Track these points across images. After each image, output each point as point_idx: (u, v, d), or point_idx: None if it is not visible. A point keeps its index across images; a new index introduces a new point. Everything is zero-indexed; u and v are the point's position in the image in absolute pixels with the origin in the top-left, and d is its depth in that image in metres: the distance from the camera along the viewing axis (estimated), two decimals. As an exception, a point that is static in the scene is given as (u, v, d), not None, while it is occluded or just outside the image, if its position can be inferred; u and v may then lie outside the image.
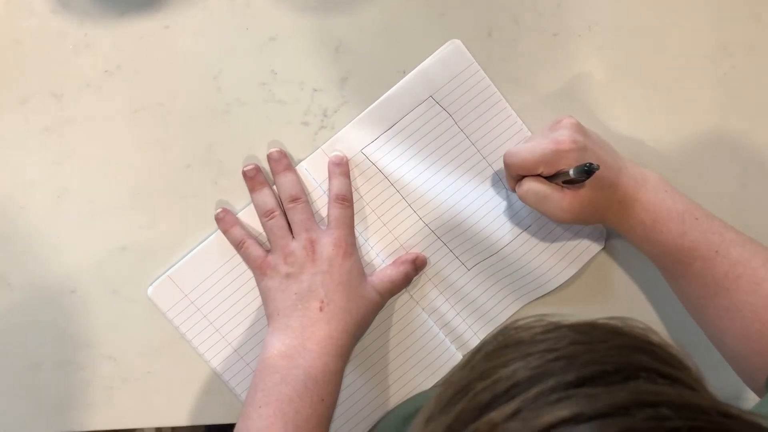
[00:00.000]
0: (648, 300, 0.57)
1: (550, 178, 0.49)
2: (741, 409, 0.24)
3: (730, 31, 0.56)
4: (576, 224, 0.54)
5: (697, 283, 0.48)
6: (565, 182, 0.48)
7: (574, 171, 0.46)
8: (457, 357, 0.56)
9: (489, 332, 0.56)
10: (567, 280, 0.55)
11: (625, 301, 0.57)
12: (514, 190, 0.51)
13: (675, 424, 0.22)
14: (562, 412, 0.22)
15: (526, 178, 0.49)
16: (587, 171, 0.45)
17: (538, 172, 0.48)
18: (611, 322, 0.27)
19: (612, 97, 0.56)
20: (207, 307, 0.54)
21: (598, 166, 0.45)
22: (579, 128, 0.49)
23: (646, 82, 0.56)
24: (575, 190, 0.48)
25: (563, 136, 0.47)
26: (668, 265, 0.50)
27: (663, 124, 0.56)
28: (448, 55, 0.54)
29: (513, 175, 0.50)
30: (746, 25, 0.56)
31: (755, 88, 0.57)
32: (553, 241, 0.55)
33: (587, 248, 0.56)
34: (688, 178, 0.56)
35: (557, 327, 0.27)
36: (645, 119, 0.56)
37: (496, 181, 0.55)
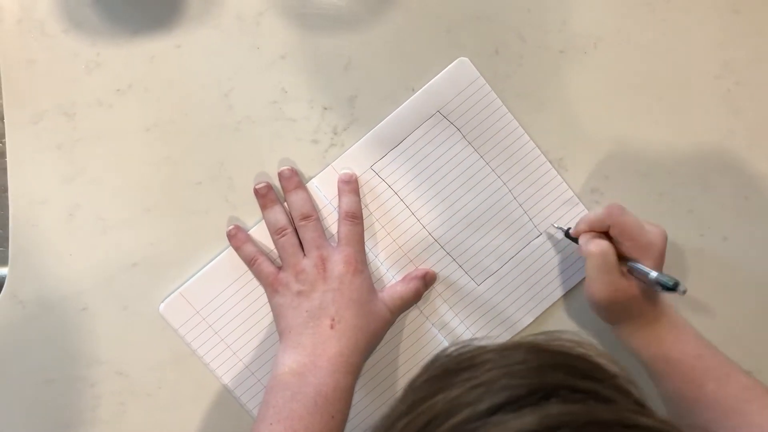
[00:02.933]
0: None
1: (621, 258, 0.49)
2: (653, 418, 0.24)
3: (733, 48, 0.57)
4: (595, 309, 0.52)
5: (709, 403, 0.48)
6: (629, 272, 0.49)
7: (654, 276, 0.47)
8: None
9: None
10: (573, 287, 0.56)
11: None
12: (575, 237, 0.52)
13: None
14: None
15: (604, 240, 0.49)
16: (670, 287, 0.46)
17: (626, 245, 0.49)
18: (537, 339, 0.27)
19: (617, 113, 0.57)
20: (218, 324, 0.54)
21: (685, 290, 0.45)
22: (666, 239, 0.50)
23: (651, 98, 0.57)
24: (632, 281, 0.49)
25: (661, 236, 0.48)
26: (681, 384, 0.49)
27: (668, 139, 0.57)
28: (456, 72, 0.55)
29: (596, 226, 0.50)
30: (749, 42, 0.57)
31: (758, 103, 0.57)
32: (560, 251, 0.56)
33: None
34: (693, 191, 0.57)
35: (482, 352, 0.27)
36: (650, 134, 0.57)
37: (504, 194, 0.56)
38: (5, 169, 0.57)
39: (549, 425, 0.23)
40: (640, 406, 0.26)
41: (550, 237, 0.56)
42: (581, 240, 0.51)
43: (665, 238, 0.50)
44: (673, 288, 0.46)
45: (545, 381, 0.25)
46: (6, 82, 0.53)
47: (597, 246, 0.49)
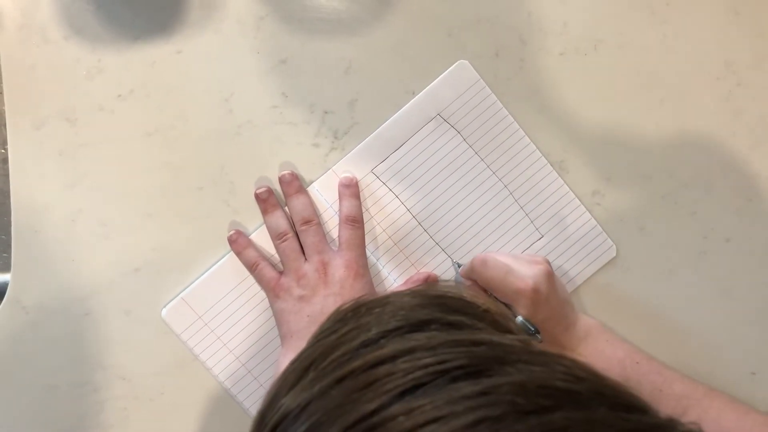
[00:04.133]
0: (655, 311, 0.58)
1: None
2: (508, 337, 0.26)
3: (734, 49, 0.57)
4: None
5: None
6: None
7: (519, 322, 0.48)
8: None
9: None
10: (574, 289, 0.56)
11: (634, 308, 0.57)
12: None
13: (425, 361, 0.24)
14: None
15: (470, 289, 0.52)
16: (527, 331, 0.48)
17: (496, 294, 0.51)
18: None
19: (619, 115, 0.57)
20: (220, 329, 0.54)
21: (541, 340, 0.48)
22: (549, 278, 0.50)
23: (653, 100, 0.57)
24: None
25: (529, 279, 0.49)
26: None
27: (670, 141, 0.57)
28: (456, 74, 0.55)
29: (470, 275, 0.52)
30: (750, 43, 0.57)
31: (760, 104, 0.57)
32: (562, 253, 0.56)
33: (596, 259, 0.56)
34: (695, 193, 0.57)
35: (370, 300, 0.29)
36: (652, 136, 0.57)
37: (506, 197, 0.56)
38: (7, 175, 0.57)
39: (406, 350, 0.25)
40: (506, 331, 0.28)
41: (553, 239, 0.56)
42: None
43: (540, 280, 0.49)
44: (531, 334, 0.48)
45: (416, 316, 0.27)
46: (8, 89, 0.53)
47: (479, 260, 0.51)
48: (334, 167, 0.55)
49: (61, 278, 0.54)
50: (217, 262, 0.54)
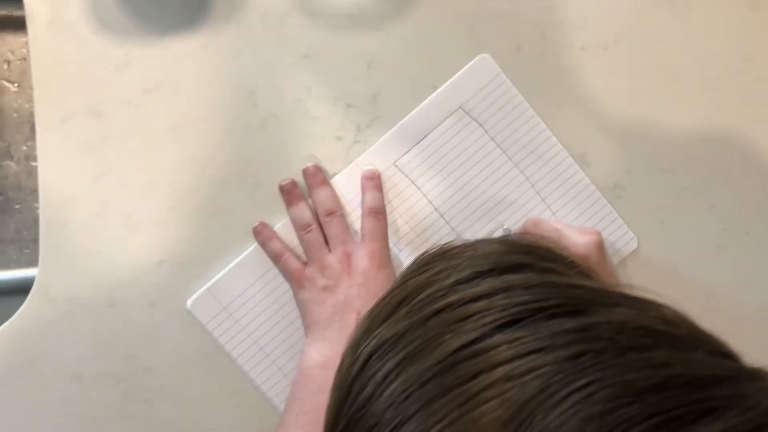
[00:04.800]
0: (675, 303, 0.58)
1: None
2: (600, 283, 0.27)
3: (753, 43, 0.57)
4: None
5: None
6: None
7: None
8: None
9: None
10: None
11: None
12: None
13: (523, 299, 0.24)
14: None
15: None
16: None
17: None
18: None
19: (639, 109, 0.57)
20: (245, 319, 0.55)
21: None
22: (599, 248, 0.50)
23: (673, 94, 0.57)
24: None
25: (581, 246, 0.49)
26: None
27: (690, 134, 0.57)
28: (478, 68, 0.56)
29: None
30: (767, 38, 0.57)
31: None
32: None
33: (617, 251, 0.57)
34: (715, 186, 0.57)
35: (457, 245, 0.30)
36: (672, 129, 0.57)
37: (527, 189, 0.56)
38: (29, 172, 0.57)
39: (505, 287, 0.25)
40: (593, 279, 0.28)
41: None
42: None
43: (591, 248, 0.49)
44: None
45: (509, 260, 0.27)
46: (37, 83, 0.54)
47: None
48: (356, 160, 0.56)
49: (87, 270, 0.54)
50: (242, 253, 0.55)
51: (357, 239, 0.54)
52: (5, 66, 0.71)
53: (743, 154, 0.58)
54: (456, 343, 0.23)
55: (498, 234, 0.56)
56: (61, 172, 0.54)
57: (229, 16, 0.55)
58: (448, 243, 0.30)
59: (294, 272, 0.53)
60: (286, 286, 0.55)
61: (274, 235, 0.54)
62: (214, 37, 0.55)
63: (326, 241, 0.54)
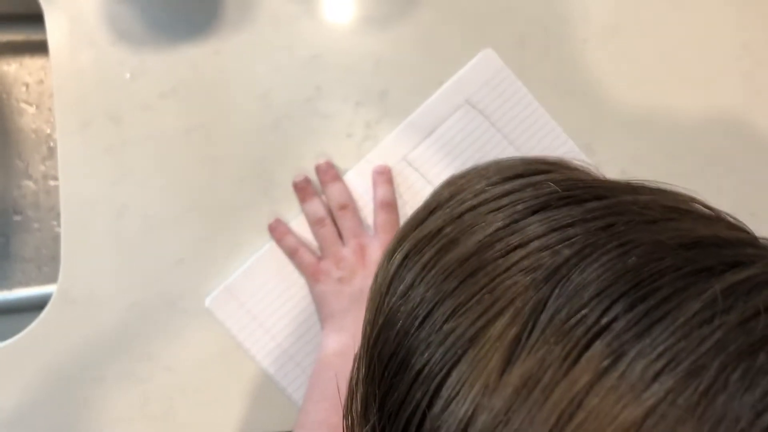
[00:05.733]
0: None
1: None
2: (618, 180, 0.27)
3: (751, 30, 0.59)
4: None
5: None
6: None
7: None
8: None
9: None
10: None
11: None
12: None
13: (552, 189, 0.25)
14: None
15: None
16: None
17: None
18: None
19: (642, 98, 0.58)
20: (263, 316, 0.55)
21: None
22: None
23: (674, 82, 0.58)
24: None
25: None
26: None
27: (691, 122, 0.58)
28: (482, 63, 0.57)
29: None
30: (766, 24, 0.59)
31: (780, 82, 0.59)
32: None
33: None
34: (719, 172, 0.58)
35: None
36: (675, 116, 0.58)
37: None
38: (48, 192, 0.59)
39: (528, 183, 0.26)
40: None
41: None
42: None
43: None
44: None
45: (536, 167, 0.27)
46: (57, 92, 0.56)
47: None
48: (367, 156, 0.57)
49: (107, 271, 0.56)
50: (259, 250, 0.56)
51: (370, 233, 0.56)
52: (23, 89, 0.73)
53: (745, 137, 0.58)
54: (490, 228, 0.24)
55: None
56: (82, 175, 0.56)
57: (240, 21, 0.57)
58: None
59: (309, 266, 0.54)
60: (302, 281, 0.56)
61: (288, 231, 0.55)
62: (226, 42, 0.57)
63: (340, 235, 0.55)
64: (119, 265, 0.56)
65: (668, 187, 0.27)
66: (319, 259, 0.55)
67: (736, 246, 0.23)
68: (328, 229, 0.54)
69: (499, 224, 0.24)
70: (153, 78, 0.56)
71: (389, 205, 0.55)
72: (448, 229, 0.25)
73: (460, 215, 0.25)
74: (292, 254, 0.55)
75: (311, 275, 0.54)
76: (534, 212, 0.24)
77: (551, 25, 0.58)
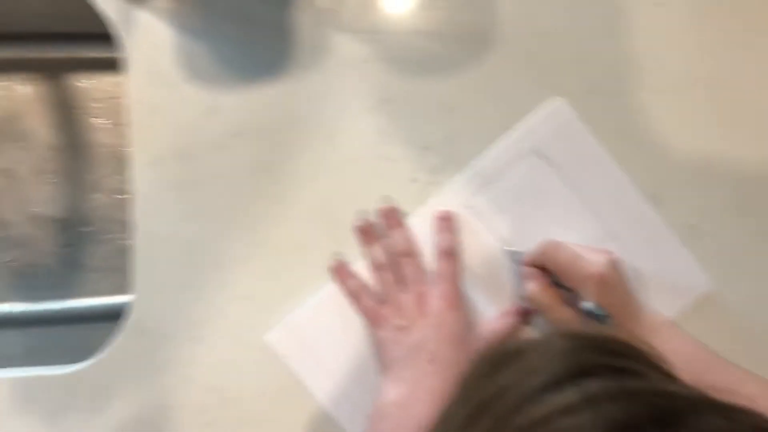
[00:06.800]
0: (753, 346, 0.57)
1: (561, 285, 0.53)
2: (683, 386, 0.27)
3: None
4: None
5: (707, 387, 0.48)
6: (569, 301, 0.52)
7: (585, 306, 0.50)
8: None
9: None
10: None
11: (730, 343, 0.57)
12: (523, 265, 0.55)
13: (611, 413, 0.24)
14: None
15: (536, 280, 0.53)
16: (596, 316, 0.49)
17: (563, 279, 0.52)
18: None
19: (714, 150, 0.57)
20: (322, 354, 0.57)
21: (610, 321, 0.49)
22: (616, 267, 0.51)
23: (748, 136, 0.57)
24: (576, 312, 0.51)
25: (599, 266, 0.50)
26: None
27: (763, 177, 0.57)
28: (551, 111, 0.57)
29: (536, 262, 0.54)
30: None
31: None
32: (656, 286, 0.56)
33: (691, 294, 0.56)
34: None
35: (524, 344, 0.30)
36: (749, 170, 0.57)
37: (601, 236, 0.56)
38: (117, 204, 0.61)
39: (588, 398, 0.25)
40: (670, 377, 0.28)
41: (648, 273, 0.56)
42: (524, 276, 0.55)
43: (608, 267, 0.50)
44: (601, 319, 0.49)
45: (582, 361, 0.27)
46: (133, 126, 0.57)
47: (528, 290, 0.53)
48: (430, 201, 0.57)
49: (176, 305, 0.58)
50: (321, 290, 0.57)
51: (430, 280, 0.56)
52: (95, 104, 0.76)
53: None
54: None
55: (504, 255, 0.57)
56: (154, 211, 0.58)
57: (312, 64, 0.57)
58: (508, 342, 0.31)
59: (370, 311, 0.55)
60: (362, 323, 0.57)
61: (350, 273, 0.56)
62: (297, 84, 0.57)
63: (401, 281, 0.55)
64: (187, 300, 0.58)
65: (735, 404, 0.26)
66: (381, 304, 0.55)
67: None
68: (389, 276, 0.55)
69: None
70: (225, 116, 0.58)
71: (450, 253, 0.56)
72: None
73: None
74: (353, 297, 0.56)
75: (372, 320, 0.55)
76: None
77: (623, 74, 0.57)
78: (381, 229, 0.57)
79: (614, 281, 0.50)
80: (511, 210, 0.57)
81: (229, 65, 0.58)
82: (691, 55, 0.57)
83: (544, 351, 0.28)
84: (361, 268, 0.57)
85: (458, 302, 0.55)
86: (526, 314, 0.56)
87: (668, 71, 0.57)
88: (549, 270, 0.53)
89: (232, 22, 0.58)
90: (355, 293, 0.55)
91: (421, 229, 0.57)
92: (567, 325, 0.52)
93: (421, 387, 0.51)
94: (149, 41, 0.58)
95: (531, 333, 0.57)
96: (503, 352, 0.30)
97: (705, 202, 0.57)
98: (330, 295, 0.57)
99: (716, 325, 0.57)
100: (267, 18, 0.58)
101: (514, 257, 0.56)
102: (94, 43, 0.75)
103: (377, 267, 0.56)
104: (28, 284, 0.76)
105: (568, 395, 0.26)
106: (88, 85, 0.76)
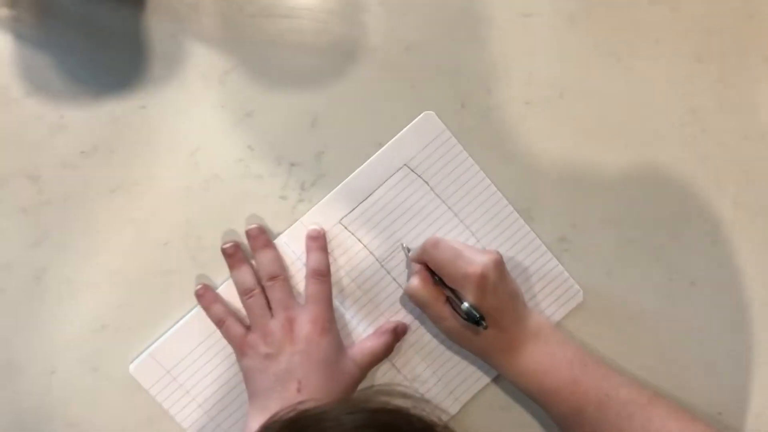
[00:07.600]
0: (622, 355, 0.58)
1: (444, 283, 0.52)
2: None
3: (698, 96, 0.57)
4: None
5: (593, 426, 0.49)
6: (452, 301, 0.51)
7: (465, 308, 0.49)
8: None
9: (471, 396, 0.57)
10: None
11: (601, 352, 0.58)
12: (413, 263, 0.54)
13: None
14: None
15: (418, 276, 0.52)
16: (473, 320, 0.49)
17: (444, 277, 0.51)
18: (359, 396, 0.32)
19: (584, 163, 0.57)
20: (189, 383, 0.54)
21: (486, 327, 0.49)
22: (498, 267, 0.50)
23: (618, 147, 0.57)
24: (456, 316, 0.51)
25: (478, 266, 0.49)
26: (562, 411, 0.51)
27: (635, 187, 0.57)
28: (422, 125, 0.55)
29: (418, 259, 0.53)
30: (714, 90, 0.57)
31: (723, 150, 0.58)
32: (530, 299, 0.56)
33: (564, 304, 0.57)
34: (661, 238, 0.57)
35: (303, 417, 0.30)
36: (617, 182, 0.57)
37: (473, 244, 0.56)
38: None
39: None
40: None
41: (521, 285, 0.56)
42: (410, 272, 0.54)
43: (488, 267, 0.50)
44: (476, 322, 0.49)
45: None
46: (-31, 147, 0.52)
47: (408, 285, 0.53)
48: (301, 219, 0.55)
49: (26, 337, 0.53)
50: (185, 316, 0.54)
51: (301, 301, 0.54)
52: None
53: (688, 205, 0.58)
54: None
55: (399, 251, 0.56)
56: (-3, 237, 0.53)
57: (168, 76, 0.54)
58: (300, 409, 0.30)
59: (236, 338, 0.52)
60: (229, 349, 0.54)
61: (216, 298, 0.54)
62: (152, 98, 0.54)
63: (270, 305, 0.53)
64: (38, 331, 0.54)
65: None
66: (248, 329, 0.53)
67: None
68: (257, 301, 0.53)
69: None
70: (73, 134, 0.53)
71: (321, 274, 0.54)
72: None
73: None
74: (219, 324, 0.53)
75: (238, 347, 0.53)
76: None
77: (493, 87, 0.56)
78: (249, 251, 0.55)
79: (494, 282, 0.49)
80: (384, 224, 0.55)
81: (76, 78, 0.53)
82: (561, 67, 0.57)
83: (321, 429, 0.27)
84: (228, 289, 0.54)
85: (328, 325, 0.53)
86: (401, 331, 0.55)
87: (537, 83, 0.56)
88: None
89: (79, 32, 0.53)
90: (221, 320, 0.53)
91: (293, 248, 0.55)
92: (444, 323, 0.52)
93: (288, 416, 0.49)
94: (-16, 51, 0.52)
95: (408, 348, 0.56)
96: (286, 424, 0.29)
97: (574, 213, 0.57)
98: (195, 321, 0.54)
99: (586, 331, 0.57)
100: (117, 27, 0.53)
101: (407, 253, 0.55)
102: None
103: (244, 292, 0.53)
104: None
105: None
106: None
